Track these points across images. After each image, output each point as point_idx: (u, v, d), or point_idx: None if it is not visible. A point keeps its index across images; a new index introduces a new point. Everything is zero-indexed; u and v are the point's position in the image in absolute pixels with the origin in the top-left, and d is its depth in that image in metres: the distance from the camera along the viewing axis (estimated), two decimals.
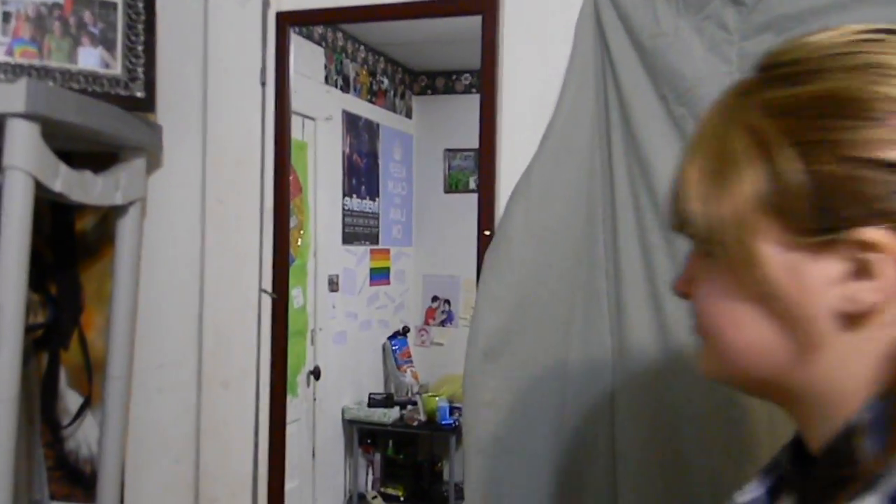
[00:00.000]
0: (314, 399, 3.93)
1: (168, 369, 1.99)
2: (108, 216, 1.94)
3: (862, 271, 0.49)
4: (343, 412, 4.22)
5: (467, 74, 5.24)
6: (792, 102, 0.50)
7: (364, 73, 4.54)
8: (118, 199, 1.78)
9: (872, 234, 0.49)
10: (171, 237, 1.99)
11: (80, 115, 1.57)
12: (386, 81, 4.87)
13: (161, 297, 1.99)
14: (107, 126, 1.67)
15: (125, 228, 1.86)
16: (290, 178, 1.98)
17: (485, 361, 1.62)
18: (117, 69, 1.76)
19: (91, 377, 1.94)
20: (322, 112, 3.97)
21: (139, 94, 1.78)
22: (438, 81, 5.28)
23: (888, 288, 0.49)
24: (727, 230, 0.51)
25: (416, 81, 5.24)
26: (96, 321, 1.97)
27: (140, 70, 1.78)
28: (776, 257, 0.50)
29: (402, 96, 5.05)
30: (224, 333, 1.92)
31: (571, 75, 1.64)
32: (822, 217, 0.49)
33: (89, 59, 1.72)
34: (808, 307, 0.50)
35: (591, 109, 1.63)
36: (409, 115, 5.07)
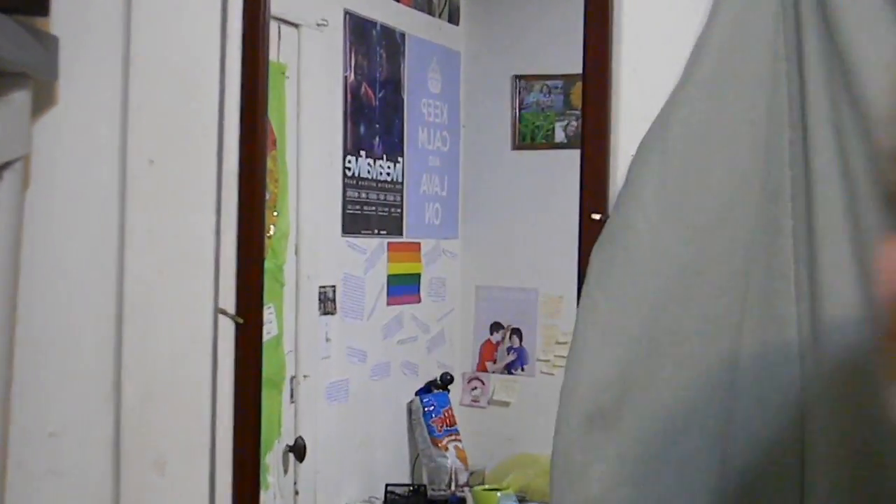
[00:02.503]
0: (295, 492, 3.93)
1: (66, 439, 2.02)
2: None
3: None
4: None
5: None
6: None
7: None
8: None
9: None
10: (72, 220, 2.03)
11: None
12: None
13: (54, 318, 2.02)
14: None
15: None
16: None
17: (590, 431, 1.65)
18: None
19: None
20: (310, 14, 3.98)
21: None
22: None
23: None
24: None
25: None
26: None
27: None
28: None
29: None
30: (158, 381, 1.96)
31: None
32: None
33: None
34: None
35: (770, 10, 1.66)
36: (453, 19, 5.05)
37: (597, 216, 1.76)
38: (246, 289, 1.94)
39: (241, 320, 1.91)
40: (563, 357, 4.79)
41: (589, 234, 1.77)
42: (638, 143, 1.69)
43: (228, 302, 1.91)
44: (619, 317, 1.66)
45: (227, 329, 1.91)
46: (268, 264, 3.15)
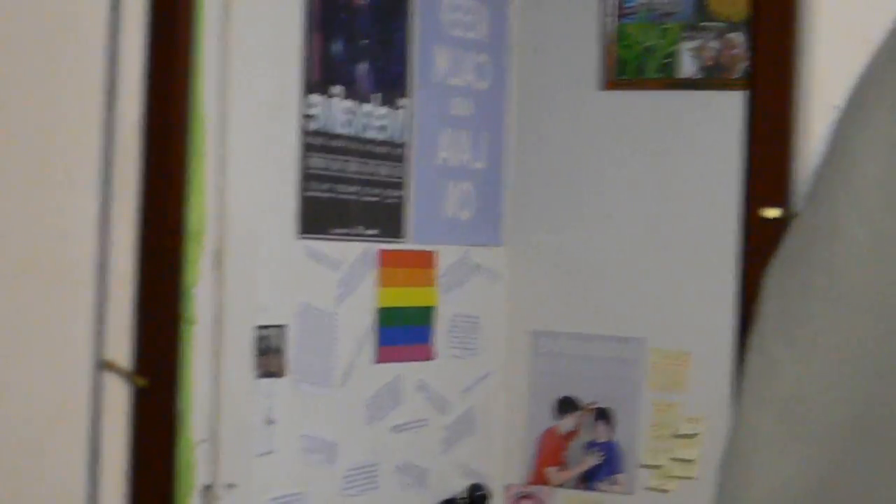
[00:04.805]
0: None
1: None
2: None
3: None
4: None
5: None
6: None
7: None
8: None
9: None
10: None
11: None
12: None
13: None
14: None
15: None
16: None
17: None
18: None
19: None
20: None
21: None
22: None
23: None
24: None
25: None
26: None
27: None
28: None
29: None
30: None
31: None
32: None
33: None
34: None
35: None
36: None
37: (773, 213, 1.54)
38: (153, 329, 1.73)
39: (143, 382, 1.72)
40: (688, 462, 4.08)
41: (758, 244, 1.54)
42: (852, 84, 1.42)
43: (120, 350, 1.75)
44: (818, 391, 1.42)
45: (119, 397, 1.75)
46: None
